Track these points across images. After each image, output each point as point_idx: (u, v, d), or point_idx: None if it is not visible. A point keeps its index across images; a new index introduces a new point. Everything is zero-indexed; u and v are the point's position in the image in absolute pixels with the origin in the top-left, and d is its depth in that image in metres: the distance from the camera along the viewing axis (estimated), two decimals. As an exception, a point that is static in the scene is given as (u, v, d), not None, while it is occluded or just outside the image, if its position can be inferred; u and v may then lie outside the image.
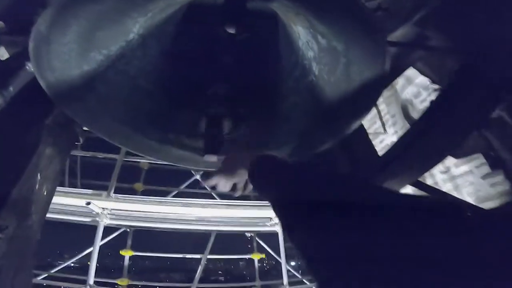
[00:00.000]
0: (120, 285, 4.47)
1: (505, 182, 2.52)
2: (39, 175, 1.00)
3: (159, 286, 6.22)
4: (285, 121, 1.10)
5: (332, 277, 0.41)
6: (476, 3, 0.85)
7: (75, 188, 4.23)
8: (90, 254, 4.26)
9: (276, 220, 5.20)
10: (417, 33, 0.99)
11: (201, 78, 1.09)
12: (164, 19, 0.91)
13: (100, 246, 4.15)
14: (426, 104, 3.43)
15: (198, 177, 5.20)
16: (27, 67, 0.82)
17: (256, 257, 5.42)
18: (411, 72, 1.84)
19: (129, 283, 4.54)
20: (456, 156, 2.54)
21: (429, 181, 3.26)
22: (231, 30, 0.93)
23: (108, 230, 4.47)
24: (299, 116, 1.08)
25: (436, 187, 2.94)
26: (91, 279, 4.00)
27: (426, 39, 0.98)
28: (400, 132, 3.93)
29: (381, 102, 3.86)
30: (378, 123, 4.12)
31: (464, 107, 0.89)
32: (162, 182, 5.42)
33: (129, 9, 0.80)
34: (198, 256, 5.14)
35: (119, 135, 1.01)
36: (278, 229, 5.23)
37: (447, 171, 3.17)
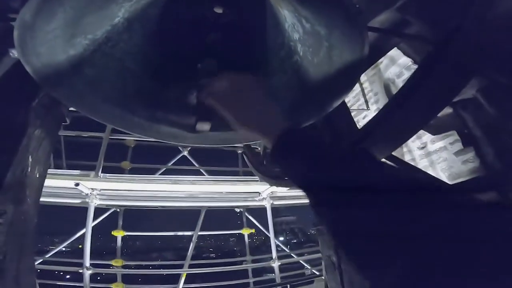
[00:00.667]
0: (115, 266, 4.51)
1: (475, 159, 2.67)
2: (30, 157, 1.02)
3: (152, 265, 6.34)
4: (271, 98, 1.15)
5: (358, 251, 0.43)
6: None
7: (61, 169, 4.16)
8: (79, 237, 4.27)
9: (264, 194, 5.34)
10: (398, 18, 1.04)
11: (188, 58, 1.11)
12: (149, 1, 0.92)
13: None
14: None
15: (185, 153, 5.21)
16: (10, 54, 0.82)
17: (246, 232, 5.57)
18: (395, 52, 1.89)
19: (124, 263, 4.59)
20: (433, 132, 2.67)
21: (407, 157, 3.43)
22: (218, 10, 0.94)
23: (97, 211, 4.46)
24: (285, 93, 1.13)
25: (413, 163, 3.10)
26: (87, 262, 4.02)
27: (407, 24, 1.03)
28: (383, 109, 4.05)
29: (365, 81, 3.96)
30: (362, 100, 4.23)
31: (436, 85, 0.95)
32: (149, 160, 5.41)
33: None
34: (189, 233, 5.22)
35: (108, 115, 1.02)
36: (266, 203, 5.38)
37: (424, 146, 3.33)
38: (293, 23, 0.96)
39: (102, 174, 3.82)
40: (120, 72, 1.02)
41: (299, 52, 1.03)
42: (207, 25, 1.06)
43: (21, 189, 1.00)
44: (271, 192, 5.23)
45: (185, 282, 5.05)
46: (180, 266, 5.18)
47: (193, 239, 5.05)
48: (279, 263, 5.33)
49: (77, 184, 3.60)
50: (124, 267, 4.64)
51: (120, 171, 4.54)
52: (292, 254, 6.21)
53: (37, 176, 1.09)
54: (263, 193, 5.25)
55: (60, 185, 3.62)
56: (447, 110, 1.96)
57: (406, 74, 3.27)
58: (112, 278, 4.73)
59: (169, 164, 5.18)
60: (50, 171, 3.59)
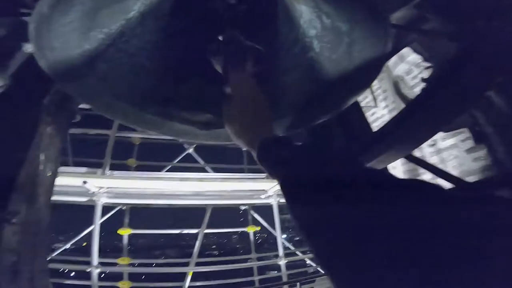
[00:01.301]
0: (121, 264, 4.50)
1: (487, 157, 2.64)
2: (42, 155, 1.01)
3: (157, 264, 6.34)
4: (284, 95, 1.13)
5: (333, 255, 0.43)
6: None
7: (67, 166, 4.14)
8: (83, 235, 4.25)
9: (271, 192, 5.32)
10: (415, 15, 1.01)
11: (200, 53, 1.09)
12: (163, -6, 0.90)
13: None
14: (417, 81, 3.51)
15: (190, 151, 5.20)
16: (23, 48, 0.80)
17: (251, 229, 5.55)
18: (404, 50, 1.86)
19: (130, 261, 4.57)
20: (444, 130, 2.63)
21: (417, 154, 3.40)
22: (232, 1, 0.93)
23: (101, 209, 4.43)
24: (298, 90, 1.11)
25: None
26: (95, 260, 3.99)
27: (423, 21, 1.00)
28: (391, 107, 4.04)
29: (373, 78, 3.93)
30: (370, 97, 4.19)
31: (457, 87, 0.93)
32: (154, 157, 5.40)
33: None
34: (195, 231, 5.22)
35: (120, 112, 1.01)
36: (272, 201, 5.35)
37: (434, 144, 3.29)
38: (311, 19, 0.94)
39: (108, 171, 3.80)
40: (133, 68, 1.00)
41: (315, 48, 1.01)
42: (219, 18, 1.04)
43: (34, 187, 0.99)
44: (278, 189, 5.19)
45: (190, 280, 5.06)
46: (186, 264, 5.19)
47: (199, 237, 5.05)
48: (286, 261, 5.31)
49: (85, 182, 3.57)
50: (130, 265, 4.64)
51: (126, 168, 4.54)
52: (297, 252, 6.18)
53: (49, 174, 1.08)
54: (269, 190, 5.21)
55: (66, 183, 3.60)
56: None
57: (416, 71, 3.23)
58: (118, 276, 4.75)
59: (175, 162, 5.17)
60: (57, 168, 3.58)
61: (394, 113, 3.84)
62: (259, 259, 5.78)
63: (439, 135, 3.13)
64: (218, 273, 5.70)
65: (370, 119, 4.11)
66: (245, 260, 5.96)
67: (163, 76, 1.08)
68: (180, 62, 1.10)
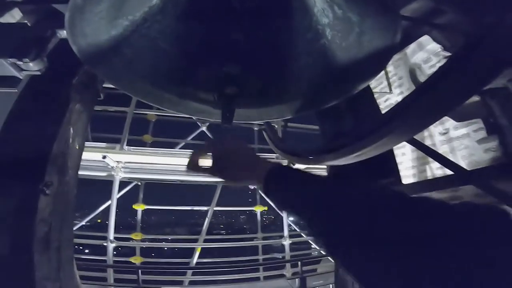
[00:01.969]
0: (134, 239, 4.65)
1: (498, 148, 2.61)
2: (71, 129, 1.10)
3: (168, 239, 6.54)
4: (295, 79, 1.18)
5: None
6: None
7: (86, 141, 4.24)
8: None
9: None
10: (431, 7, 1.02)
11: (216, 36, 1.14)
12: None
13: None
14: (435, 69, 3.39)
15: (204, 128, 5.27)
16: (57, 34, 0.87)
17: (259, 209, 5.65)
18: (423, 38, 1.84)
19: (143, 237, 4.71)
20: (457, 119, 2.60)
21: (428, 142, 3.38)
22: None
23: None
24: (309, 75, 1.15)
25: (434, 148, 3.04)
26: (111, 235, 4.11)
27: (439, 13, 1.01)
28: (406, 93, 3.98)
29: (389, 64, 3.84)
30: (385, 83, 4.14)
31: (465, 74, 0.95)
32: (169, 134, 5.50)
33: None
34: (205, 208, 5.37)
35: (142, 91, 1.09)
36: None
37: (446, 132, 3.26)
38: (323, 8, 0.97)
39: (126, 147, 3.88)
40: (153, 51, 1.07)
41: (327, 36, 1.04)
42: (234, 4, 1.08)
43: (64, 160, 1.09)
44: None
45: (198, 257, 5.24)
46: (194, 241, 5.38)
47: (208, 214, 5.19)
48: (290, 242, 5.45)
49: (104, 157, 3.67)
50: (143, 240, 4.77)
51: (141, 144, 4.67)
52: (302, 234, 6.30)
53: (77, 147, 1.18)
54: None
55: (86, 158, 3.71)
56: (474, 98, 1.91)
57: (434, 60, 3.15)
58: (130, 252, 4.96)
59: (188, 139, 5.25)
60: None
61: (408, 100, 3.77)
62: (265, 238, 5.92)
63: (452, 124, 3.09)
64: (224, 251, 5.90)
65: (383, 105, 4.07)
66: (251, 239, 6.14)
67: (181, 58, 1.14)
68: (197, 45, 1.16)
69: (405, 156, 3.75)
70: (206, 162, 0.83)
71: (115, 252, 4.61)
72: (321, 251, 6.22)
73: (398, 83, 4.00)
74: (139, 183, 4.75)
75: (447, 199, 0.47)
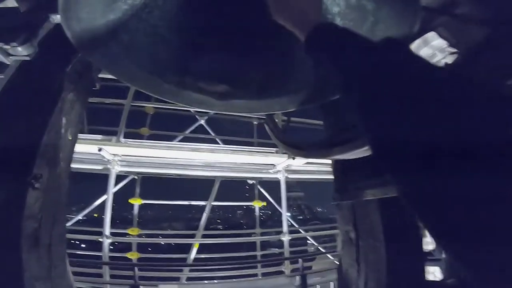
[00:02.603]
0: (131, 234, 4.59)
1: None
2: (63, 119, 1.04)
3: (164, 235, 6.50)
4: (299, 70, 1.13)
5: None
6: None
7: (82, 134, 4.16)
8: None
9: (280, 167, 5.36)
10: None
11: (217, 25, 1.08)
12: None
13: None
14: (440, 66, 3.38)
15: (202, 122, 5.22)
16: (50, 19, 0.81)
17: (257, 204, 5.62)
18: (429, 34, 1.79)
19: (139, 232, 4.65)
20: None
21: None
22: None
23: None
24: (315, 66, 1.10)
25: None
26: (107, 230, 4.04)
27: (454, 4, 0.96)
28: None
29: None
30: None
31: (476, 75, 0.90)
32: (166, 127, 5.43)
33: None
34: (203, 203, 5.32)
35: (139, 80, 1.03)
36: (280, 176, 5.38)
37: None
38: None
39: (123, 139, 3.80)
40: (153, 38, 1.01)
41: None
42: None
43: (56, 151, 1.03)
44: (287, 165, 5.23)
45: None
46: (192, 236, 5.35)
47: (206, 209, 5.16)
48: (289, 238, 5.43)
49: (100, 149, 3.59)
50: (140, 235, 4.72)
51: (139, 137, 4.59)
52: (300, 230, 6.30)
53: (70, 138, 1.12)
54: (279, 165, 5.24)
55: (82, 150, 3.64)
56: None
57: (439, 56, 3.11)
58: (126, 248, 4.85)
59: (187, 132, 5.20)
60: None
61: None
62: (263, 234, 5.91)
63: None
64: (221, 247, 5.88)
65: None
66: (249, 235, 6.12)
67: (181, 47, 1.09)
68: (198, 33, 1.10)
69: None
70: None
71: (111, 247, 4.56)
72: (319, 248, 6.24)
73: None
74: (136, 177, 4.69)
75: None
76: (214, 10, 1.08)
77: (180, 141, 4.91)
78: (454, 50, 1.58)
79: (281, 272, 5.13)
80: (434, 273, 1.86)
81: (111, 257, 4.43)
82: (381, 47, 0.58)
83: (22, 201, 0.84)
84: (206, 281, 4.97)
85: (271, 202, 5.93)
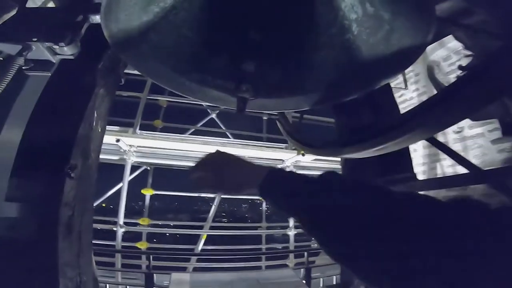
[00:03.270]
0: (141, 224, 4.68)
1: (512, 149, 2.58)
2: (95, 112, 1.12)
3: (174, 225, 6.60)
4: (315, 70, 1.18)
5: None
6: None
7: None
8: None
9: (289, 163, 5.40)
10: (462, 7, 1.00)
11: (237, 26, 1.13)
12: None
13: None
14: (454, 68, 3.38)
15: (213, 116, 5.30)
16: (90, 20, 0.88)
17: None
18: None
19: (150, 222, 4.74)
20: (473, 118, 2.57)
21: (440, 139, 3.35)
22: None
23: (122, 169, 4.50)
24: (330, 68, 1.15)
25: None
26: (121, 220, 4.14)
27: (468, 14, 1.00)
28: (421, 90, 3.95)
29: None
30: (401, 78, 4.09)
31: (491, 80, 0.94)
32: (178, 120, 5.50)
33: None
34: (213, 195, 5.41)
35: (164, 77, 1.11)
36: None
37: (460, 131, 3.24)
38: (353, 4, 0.96)
39: (139, 131, 3.89)
40: (177, 38, 1.08)
41: (353, 31, 1.03)
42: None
43: (88, 143, 1.10)
44: (295, 160, 5.27)
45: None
46: (200, 228, 5.44)
47: (215, 201, 5.24)
48: (295, 232, 5.50)
49: (118, 140, 3.67)
50: (150, 225, 4.80)
51: (152, 129, 4.69)
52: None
53: (100, 130, 1.20)
54: (288, 161, 5.29)
55: None
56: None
57: (454, 58, 3.10)
58: (135, 237, 4.99)
59: (198, 125, 5.27)
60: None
61: (423, 97, 3.77)
62: (269, 227, 5.97)
63: (467, 123, 3.06)
64: (225, 239, 5.96)
65: (398, 100, 4.04)
66: (255, 228, 6.20)
67: (203, 46, 1.15)
68: (219, 34, 1.16)
69: (416, 153, 3.73)
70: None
71: (122, 236, 4.64)
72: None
73: (414, 79, 3.95)
74: (148, 168, 4.78)
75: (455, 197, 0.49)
76: (234, 11, 1.14)
77: (191, 134, 4.99)
78: (470, 52, 1.60)
79: (285, 266, 5.21)
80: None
81: (122, 247, 4.52)
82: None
83: (60, 190, 0.89)
84: (213, 272, 5.06)
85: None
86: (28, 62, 0.82)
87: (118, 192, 4.47)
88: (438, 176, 3.30)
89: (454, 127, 3.22)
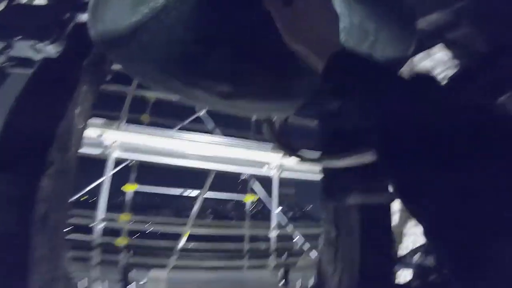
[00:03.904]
0: (122, 220, 4.57)
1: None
2: (77, 109, 1.10)
3: (155, 222, 6.52)
4: (301, 76, 1.18)
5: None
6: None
7: None
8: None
9: (274, 165, 5.44)
10: (449, 19, 1.04)
11: (229, 29, 1.14)
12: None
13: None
14: (440, 77, 3.46)
15: (201, 114, 5.26)
16: (77, 18, 0.87)
17: (249, 198, 5.71)
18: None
19: (131, 218, 4.64)
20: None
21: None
22: None
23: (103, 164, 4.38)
24: (316, 74, 1.17)
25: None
26: (100, 215, 4.01)
27: (457, 26, 1.04)
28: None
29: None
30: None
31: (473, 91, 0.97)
32: (166, 116, 5.42)
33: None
34: (197, 192, 5.37)
35: (153, 77, 1.10)
36: (274, 174, 5.46)
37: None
38: (341, 13, 0.98)
39: (124, 125, 3.79)
40: (168, 38, 1.07)
41: (340, 39, 1.06)
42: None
43: (68, 139, 1.08)
44: (280, 163, 5.32)
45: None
46: (182, 224, 5.39)
47: (199, 199, 5.19)
48: (277, 233, 5.54)
49: (101, 134, 3.57)
50: (131, 221, 4.71)
51: (138, 124, 4.58)
52: (288, 228, 6.37)
53: (81, 126, 1.18)
54: (273, 163, 5.32)
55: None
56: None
57: (440, 69, 3.19)
58: (115, 233, 4.83)
59: (185, 122, 5.22)
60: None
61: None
62: (252, 226, 5.98)
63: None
64: (208, 237, 5.94)
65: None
66: (239, 227, 6.20)
67: (192, 47, 1.15)
68: (208, 34, 1.16)
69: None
70: None
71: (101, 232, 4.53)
72: (305, 245, 6.35)
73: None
74: (132, 163, 4.68)
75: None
76: (226, 12, 1.14)
77: (179, 130, 4.93)
78: (456, 63, 1.65)
79: (266, 266, 5.24)
80: (404, 276, 1.97)
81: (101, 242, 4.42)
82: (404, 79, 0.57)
83: (37, 184, 0.89)
84: (194, 270, 5.04)
85: (261, 198, 6.01)
86: (10, 60, 0.80)
87: (100, 186, 4.37)
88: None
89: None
